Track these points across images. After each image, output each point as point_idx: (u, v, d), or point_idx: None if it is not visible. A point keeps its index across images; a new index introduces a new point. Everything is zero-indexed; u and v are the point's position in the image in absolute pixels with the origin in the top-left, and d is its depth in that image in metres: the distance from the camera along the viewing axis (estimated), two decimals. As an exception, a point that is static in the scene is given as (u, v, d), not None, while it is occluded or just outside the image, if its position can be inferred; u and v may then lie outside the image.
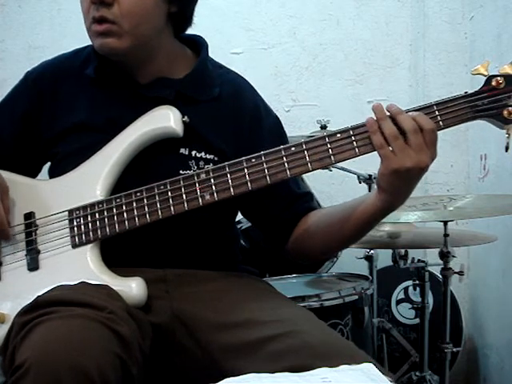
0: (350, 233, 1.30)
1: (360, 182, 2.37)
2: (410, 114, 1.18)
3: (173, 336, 1.22)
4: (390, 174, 1.16)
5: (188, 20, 1.40)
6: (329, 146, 1.20)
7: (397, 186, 1.18)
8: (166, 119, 1.30)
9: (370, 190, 2.35)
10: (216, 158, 1.33)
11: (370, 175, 2.32)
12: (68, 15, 2.78)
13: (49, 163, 1.42)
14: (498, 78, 1.19)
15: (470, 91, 1.20)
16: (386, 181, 1.18)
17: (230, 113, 1.38)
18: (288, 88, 2.89)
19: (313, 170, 1.21)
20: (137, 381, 1.07)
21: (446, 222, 1.93)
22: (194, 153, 1.33)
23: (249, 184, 1.22)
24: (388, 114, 1.18)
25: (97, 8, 1.24)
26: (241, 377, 0.94)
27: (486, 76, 1.20)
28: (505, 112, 1.19)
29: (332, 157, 1.20)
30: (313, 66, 2.90)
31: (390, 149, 1.16)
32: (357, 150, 1.20)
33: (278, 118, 1.47)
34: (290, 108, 2.88)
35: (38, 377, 0.95)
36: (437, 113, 1.19)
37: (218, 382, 0.91)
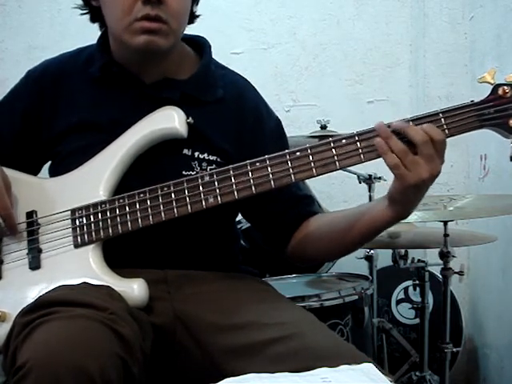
0: (354, 240, 1.29)
1: (360, 182, 2.37)
2: (419, 126, 1.16)
3: (173, 337, 1.22)
4: (407, 190, 1.16)
5: (192, 20, 1.41)
6: (334, 151, 1.20)
7: (412, 197, 1.19)
8: (170, 120, 1.30)
9: (370, 190, 2.36)
10: (219, 159, 1.33)
11: (370, 175, 2.32)
12: (68, 15, 2.77)
13: (49, 162, 1.42)
14: (505, 87, 1.19)
15: (475, 99, 1.20)
16: (402, 196, 1.18)
17: (232, 114, 1.38)
18: (288, 88, 2.89)
19: (317, 175, 1.20)
20: (138, 381, 1.06)
21: (446, 222, 1.93)
22: (196, 154, 1.32)
23: (253, 188, 1.21)
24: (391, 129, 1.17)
25: (152, 6, 1.24)
26: (241, 377, 0.94)
27: (492, 84, 1.20)
28: (510, 122, 1.18)
29: (337, 163, 1.20)
30: (313, 66, 2.90)
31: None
32: (362, 157, 1.19)
33: (280, 120, 1.47)
34: (290, 108, 2.88)
35: (39, 377, 0.94)
36: (443, 121, 1.18)
37: (218, 382, 0.91)
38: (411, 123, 1.18)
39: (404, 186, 1.16)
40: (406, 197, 1.18)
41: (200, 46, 1.43)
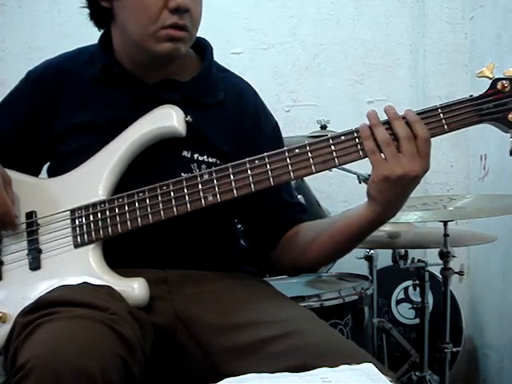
0: (339, 245, 1.29)
1: (360, 182, 2.37)
2: (408, 118, 1.17)
3: (174, 336, 1.22)
4: (380, 182, 1.16)
5: None
6: (333, 148, 1.20)
7: (387, 195, 1.18)
8: (168, 118, 1.29)
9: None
10: (218, 162, 1.33)
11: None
12: (68, 15, 2.78)
13: (48, 163, 1.42)
14: (504, 82, 1.19)
15: (474, 94, 1.20)
16: (376, 189, 1.18)
17: (233, 117, 1.38)
18: (288, 88, 2.89)
19: (316, 172, 1.21)
20: (138, 381, 1.07)
21: (445, 222, 1.93)
22: (196, 156, 1.33)
23: (252, 185, 1.21)
24: (382, 119, 1.18)
25: (180, 16, 1.26)
26: (241, 377, 0.94)
27: (491, 79, 1.20)
28: (510, 116, 1.19)
29: (336, 159, 1.20)
30: (313, 66, 2.90)
31: (382, 156, 1.16)
32: (361, 153, 1.20)
33: (277, 125, 1.47)
34: (290, 108, 2.88)
35: (40, 378, 0.94)
36: (442, 116, 1.18)
37: (218, 382, 0.91)
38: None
39: (377, 176, 1.16)
40: (382, 193, 1.17)
41: (201, 47, 1.43)
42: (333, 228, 1.29)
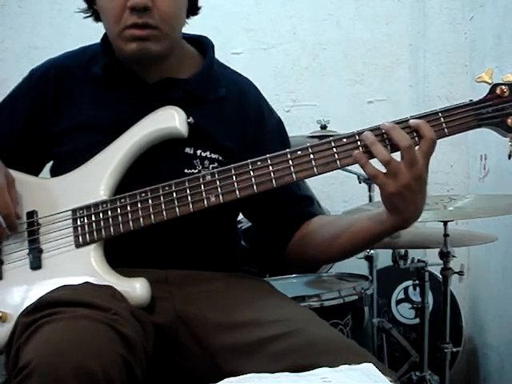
0: (357, 246, 1.31)
1: (360, 182, 2.37)
2: (413, 121, 1.18)
3: (175, 336, 1.22)
4: (390, 198, 1.17)
5: (195, 12, 1.41)
6: (335, 150, 1.21)
7: (401, 205, 1.18)
8: (170, 120, 1.30)
9: (369, 190, 2.36)
10: (221, 158, 1.34)
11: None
12: (68, 15, 2.78)
13: (51, 162, 1.42)
14: (503, 87, 1.21)
15: (474, 99, 1.21)
16: (389, 205, 1.19)
17: (235, 112, 1.38)
18: (288, 88, 2.89)
19: (318, 174, 1.21)
20: (140, 381, 1.07)
21: (445, 222, 1.93)
22: (199, 152, 1.33)
23: (254, 187, 1.22)
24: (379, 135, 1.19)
25: (139, 15, 1.25)
26: (241, 377, 0.94)
27: (490, 84, 1.22)
28: (509, 120, 1.20)
29: (338, 161, 1.21)
30: (313, 66, 2.91)
31: (385, 171, 1.17)
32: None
33: (281, 120, 1.47)
34: (290, 108, 2.89)
35: (42, 378, 0.94)
36: (442, 120, 1.20)
37: (218, 382, 0.91)
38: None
39: (386, 195, 1.17)
40: (397, 206, 1.18)
41: (203, 45, 1.43)
42: (353, 230, 1.28)
